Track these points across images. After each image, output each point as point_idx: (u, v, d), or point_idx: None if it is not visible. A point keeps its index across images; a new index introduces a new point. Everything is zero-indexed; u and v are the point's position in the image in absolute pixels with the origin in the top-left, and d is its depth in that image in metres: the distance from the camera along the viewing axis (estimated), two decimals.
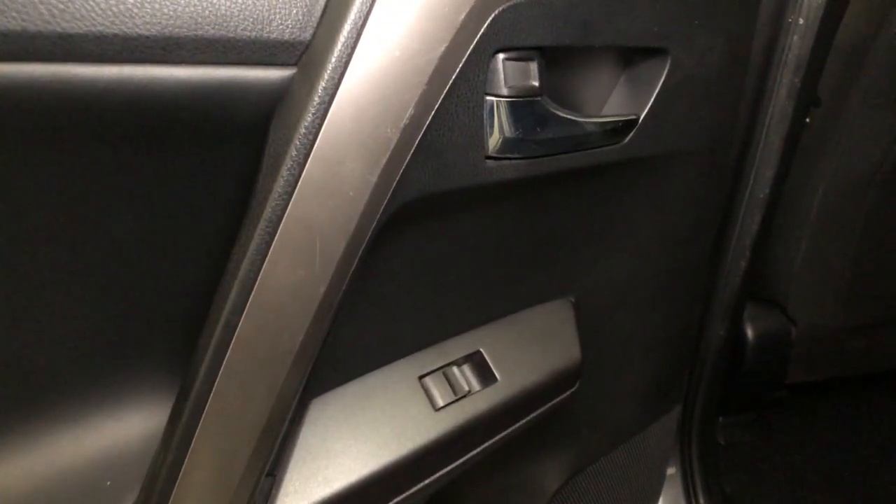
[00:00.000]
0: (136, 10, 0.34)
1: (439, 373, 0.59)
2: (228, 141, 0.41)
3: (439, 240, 0.52)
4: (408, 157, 0.42)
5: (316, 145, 0.39)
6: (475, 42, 0.42)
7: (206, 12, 0.36)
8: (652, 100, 0.55)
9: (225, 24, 0.37)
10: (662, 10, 0.52)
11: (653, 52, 0.54)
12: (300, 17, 0.39)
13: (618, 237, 0.65)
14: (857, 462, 1.17)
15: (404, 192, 0.43)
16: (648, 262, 0.70)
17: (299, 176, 0.39)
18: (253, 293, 0.40)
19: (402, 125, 0.41)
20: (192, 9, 0.36)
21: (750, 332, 1.08)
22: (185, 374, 0.44)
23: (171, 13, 0.35)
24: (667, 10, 0.52)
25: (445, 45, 0.41)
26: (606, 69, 0.55)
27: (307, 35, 0.39)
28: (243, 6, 0.37)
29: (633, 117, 0.55)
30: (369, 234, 0.42)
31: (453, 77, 0.42)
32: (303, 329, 0.42)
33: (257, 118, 0.40)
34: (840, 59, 0.86)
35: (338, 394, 0.54)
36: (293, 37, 0.39)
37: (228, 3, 0.37)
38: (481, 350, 0.61)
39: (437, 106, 0.42)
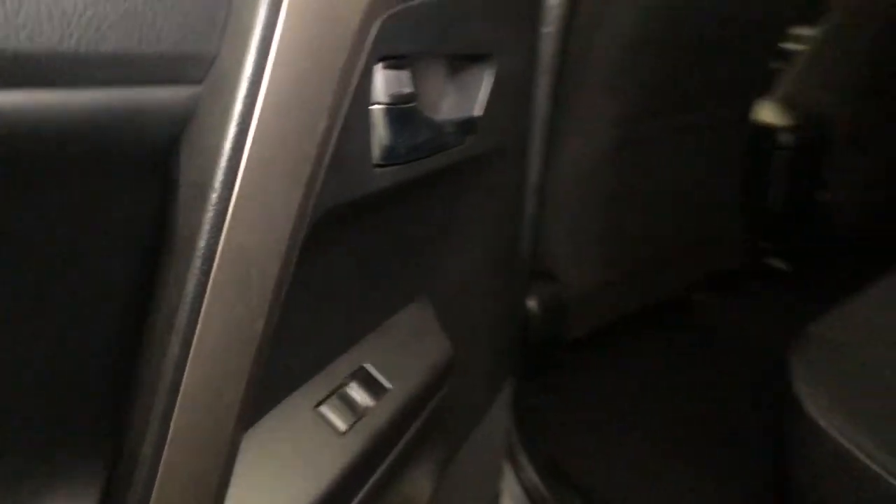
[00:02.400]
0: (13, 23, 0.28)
1: (333, 397, 0.57)
2: (130, 172, 0.35)
3: (324, 256, 0.51)
4: (322, 172, 0.41)
5: (242, 169, 0.36)
6: (366, 51, 0.42)
7: (96, 26, 0.30)
8: (483, 100, 0.61)
9: (118, 39, 0.31)
10: (487, 20, 0.58)
11: (482, 58, 0.60)
12: (202, 29, 0.35)
13: (462, 232, 0.70)
14: (647, 395, 1.40)
15: (319, 208, 0.42)
16: (486, 251, 0.76)
17: (228, 204, 0.36)
18: (194, 343, 0.35)
19: (317, 139, 0.40)
20: (80, 20, 0.30)
21: (533, 303, 1.22)
22: (114, 454, 0.36)
23: (53, 27, 0.29)
24: (490, 20, 0.58)
25: (346, 54, 0.40)
26: (452, 74, 0.59)
27: (212, 49, 0.36)
28: (136, 17, 0.32)
29: (472, 117, 0.60)
30: (296, 256, 0.40)
31: (352, 87, 0.42)
32: (245, 376, 0.38)
33: (162, 144, 0.35)
34: (574, 56, 1.03)
35: (244, 441, 0.49)
36: (197, 51, 0.35)
37: (119, 14, 0.31)
38: (365, 366, 0.61)
39: (341, 116, 0.41)
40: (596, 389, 1.40)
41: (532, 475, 1.12)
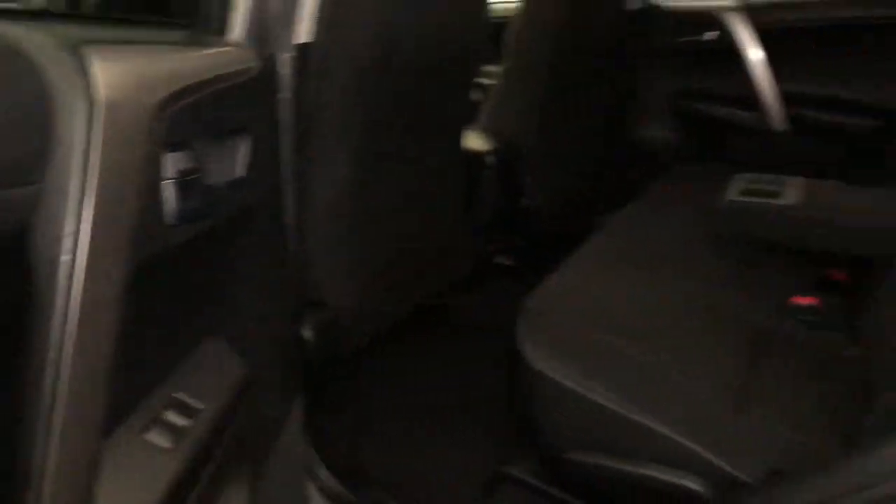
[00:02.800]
0: None
1: (155, 422, 0.67)
2: None
3: (136, 303, 0.62)
4: (134, 235, 0.53)
5: (82, 239, 0.47)
6: (157, 143, 0.56)
7: None
8: (245, 163, 0.76)
9: None
10: (241, 102, 0.73)
11: (240, 130, 0.75)
12: (33, 133, 0.46)
13: (243, 273, 0.83)
14: (417, 388, 1.62)
15: (133, 262, 0.53)
16: (264, 287, 0.90)
17: (74, 268, 0.46)
18: (61, 379, 0.46)
19: (131, 211, 0.52)
20: None
21: (308, 330, 1.36)
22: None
23: None
24: (244, 102, 0.73)
25: (143, 148, 0.53)
26: (221, 146, 0.73)
27: (45, 147, 0.47)
28: None
29: (239, 178, 0.75)
30: (123, 304, 0.52)
31: (150, 171, 0.55)
32: (101, 402, 0.49)
33: (12, 233, 0.45)
34: (307, 111, 1.20)
35: None
36: (34, 153, 0.46)
37: None
38: (177, 395, 0.71)
39: (143, 193, 0.54)
40: (376, 393, 1.59)
41: (332, 483, 1.27)
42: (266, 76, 0.84)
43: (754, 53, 2.14)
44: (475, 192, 1.77)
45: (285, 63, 0.91)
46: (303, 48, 0.94)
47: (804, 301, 1.32)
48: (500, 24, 1.91)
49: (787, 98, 2.13)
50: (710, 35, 2.20)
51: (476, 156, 1.74)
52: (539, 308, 1.22)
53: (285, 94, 0.96)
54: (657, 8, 2.32)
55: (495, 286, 1.99)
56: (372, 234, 1.40)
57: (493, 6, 2.55)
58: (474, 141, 1.83)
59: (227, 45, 0.76)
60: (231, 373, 0.79)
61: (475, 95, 2.33)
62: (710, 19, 2.19)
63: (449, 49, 1.41)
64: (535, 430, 1.16)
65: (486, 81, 2.12)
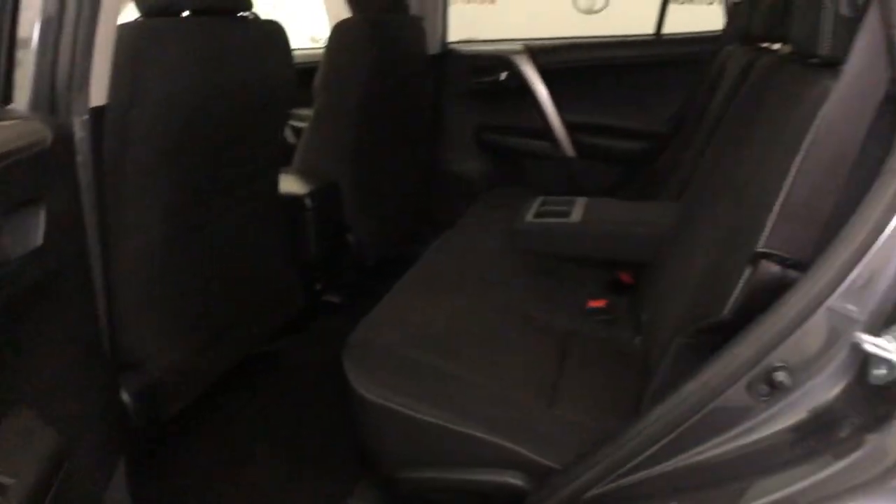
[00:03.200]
0: None
1: None
2: None
3: None
4: None
5: None
6: None
7: None
8: (41, 234, 0.74)
9: None
10: (35, 173, 0.72)
11: (36, 201, 0.73)
12: None
13: (49, 340, 0.80)
14: (250, 437, 1.59)
15: None
16: (73, 353, 0.87)
17: None
18: None
19: None
20: None
21: (125, 394, 1.30)
22: None
23: None
24: (39, 172, 0.73)
25: None
26: (17, 219, 0.71)
27: None
28: None
29: (36, 248, 0.73)
30: None
31: None
32: None
33: None
34: (109, 169, 1.17)
35: None
36: None
37: None
38: None
39: None
40: (208, 451, 1.54)
41: None
42: (60, 142, 0.83)
43: (541, 90, 2.41)
44: (297, 233, 1.80)
45: (81, 126, 0.90)
46: (99, 111, 0.93)
47: (597, 304, 1.51)
48: (309, 69, 1.98)
49: (572, 128, 2.41)
50: (503, 75, 2.45)
51: (294, 198, 1.78)
52: (363, 339, 1.28)
53: (83, 157, 0.93)
54: (454, 52, 2.53)
55: (325, 324, 2.02)
56: (186, 289, 1.38)
57: (301, 52, 2.62)
58: (292, 183, 1.86)
59: (12, 117, 0.74)
60: (42, 445, 0.76)
61: (289, 139, 2.38)
62: (501, 62, 2.44)
63: (258, 98, 1.45)
64: (370, 456, 1.21)
65: (298, 124, 2.17)
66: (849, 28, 0.84)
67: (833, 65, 0.88)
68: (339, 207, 1.94)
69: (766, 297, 0.81)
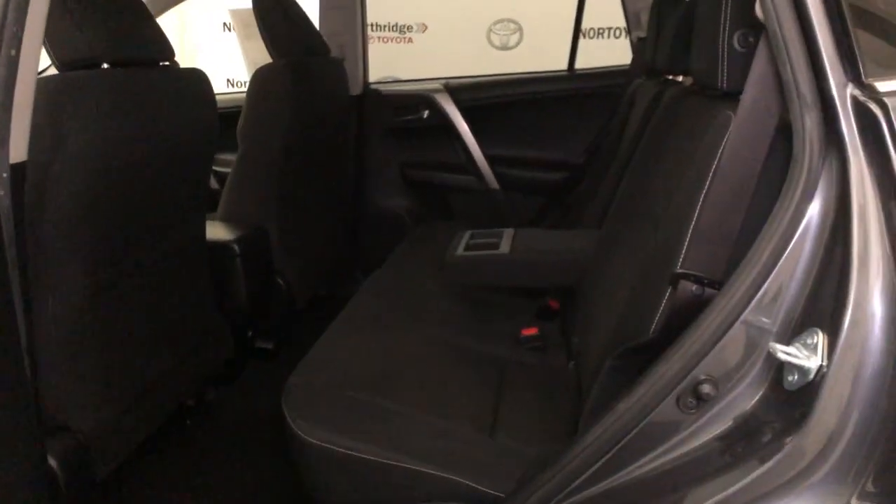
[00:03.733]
0: None
1: None
2: None
3: None
4: None
5: None
6: None
7: None
8: None
9: None
10: None
11: None
12: None
13: None
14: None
15: None
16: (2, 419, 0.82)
17: None
18: None
19: None
20: None
21: (52, 459, 1.23)
22: None
23: None
24: None
25: None
26: None
27: None
28: None
29: None
30: None
31: None
32: None
33: None
34: (29, 226, 1.12)
35: None
36: None
37: None
38: None
39: None
40: None
41: None
42: None
43: (462, 126, 2.48)
44: (226, 280, 1.76)
45: (1, 184, 0.86)
46: (19, 167, 0.90)
47: (529, 332, 1.55)
48: (231, 114, 1.96)
49: (494, 161, 2.49)
50: (424, 113, 2.50)
51: (222, 245, 1.75)
52: (301, 382, 1.26)
53: (4, 215, 0.90)
54: (377, 92, 2.57)
55: (258, 372, 1.97)
56: (111, 345, 1.33)
57: (221, 97, 2.60)
58: (219, 230, 1.83)
59: None
60: None
61: (212, 185, 2.34)
62: (422, 100, 2.50)
63: (182, 146, 1.43)
64: (315, 501, 1.18)
65: (221, 170, 2.14)
66: (742, 62, 0.92)
67: (731, 96, 0.96)
68: (268, 252, 1.92)
69: (687, 315, 0.86)
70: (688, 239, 0.89)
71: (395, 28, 4.40)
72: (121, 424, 1.34)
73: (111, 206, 1.25)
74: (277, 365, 1.75)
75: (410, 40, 4.46)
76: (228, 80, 4.59)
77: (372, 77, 2.64)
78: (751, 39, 0.92)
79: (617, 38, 4.05)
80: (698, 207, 0.89)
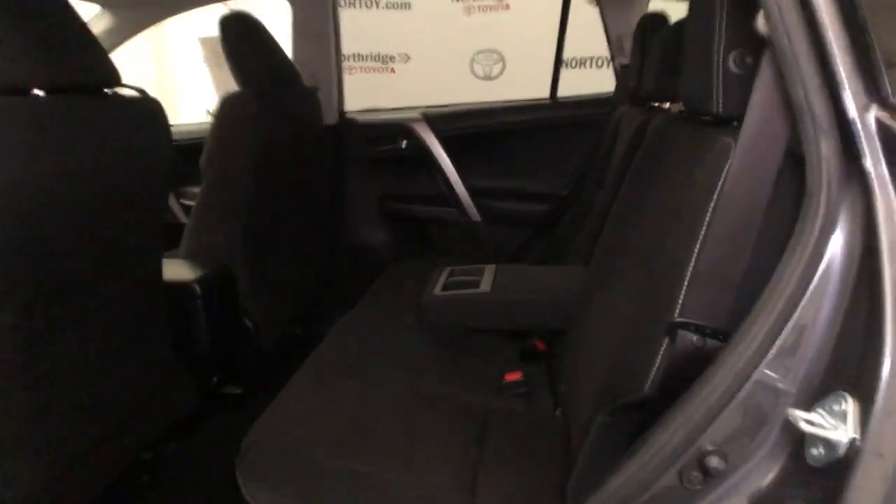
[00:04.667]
0: None
1: None
2: None
3: None
4: None
5: None
6: None
7: None
8: None
9: None
10: None
11: None
12: None
13: None
14: None
15: None
16: None
17: None
18: None
19: None
20: None
21: None
22: None
23: None
24: None
25: None
26: None
27: None
28: None
29: None
30: None
31: None
32: None
33: None
34: None
35: None
36: None
37: None
38: None
39: None
40: None
41: None
42: None
43: (442, 157, 2.38)
44: (186, 324, 1.64)
45: None
46: None
47: (513, 377, 1.43)
48: (196, 145, 1.86)
49: (476, 193, 2.39)
50: (403, 143, 2.41)
51: (182, 286, 1.62)
52: (257, 443, 1.14)
53: None
54: (352, 121, 2.47)
55: (225, 420, 1.83)
56: (53, 398, 1.19)
57: (188, 127, 2.50)
58: (179, 269, 1.71)
59: None
60: None
61: (180, 218, 2.21)
62: (400, 130, 2.40)
63: (128, 181, 1.31)
64: None
65: (189, 203, 2.02)
66: (739, 84, 0.83)
67: (727, 122, 0.86)
68: (234, 291, 1.79)
69: (687, 369, 0.75)
70: (686, 282, 0.78)
71: (377, 58, 4.39)
72: (57, 493, 1.20)
73: (48, 245, 1.13)
74: (247, 412, 1.62)
75: (393, 70, 4.43)
76: (208, 111, 4.51)
77: (354, 107, 2.55)
78: (748, 60, 0.83)
79: (599, 67, 4.04)
80: (697, 246, 0.78)
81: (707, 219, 0.77)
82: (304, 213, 2.19)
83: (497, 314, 1.46)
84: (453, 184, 2.38)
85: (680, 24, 1.46)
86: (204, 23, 2.63)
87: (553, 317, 1.43)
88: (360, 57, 4.33)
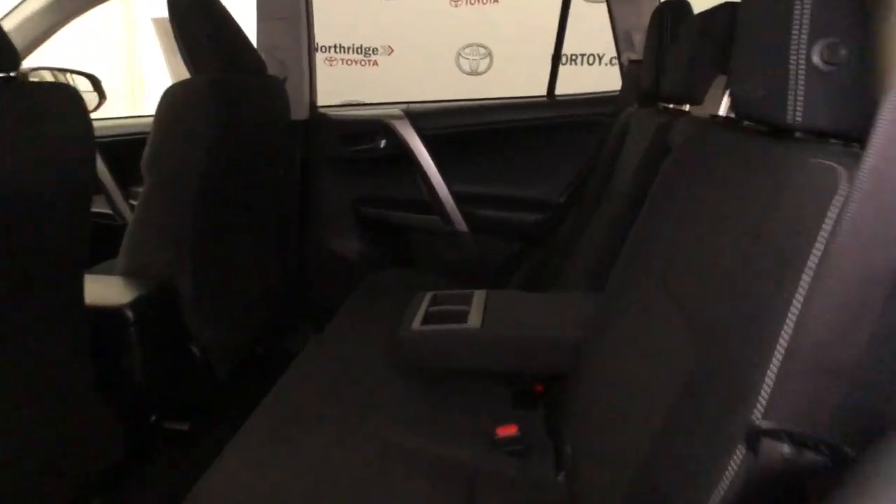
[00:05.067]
0: None
1: None
2: None
3: None
4: None
5: None
6: None
7: None
8: None
9: None
10: None
11: None
12: None
13: None
14: None
15: None
16: None
17: None
18: None
19: None
20: None
21: None
22: None
23: None
24: None
25: None
26: None
27: None
28: None
29: None
30: None
31: None
32: None
33: None
34: None
35: None
36: None
37: None
38: None
39: None
40: None
41: None
42: None
43: (425, 158, 2.13)
44: (117, 356, 1.37)
45: None
46: None
47: (507, 431, 1.18)
48: (134, 142, 1.59)
49: (462, 199, 2.14)
50: (381, 143, 2.15)
51: (111, 311, 1.36)
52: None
53: None
54: (325, 117, 2.21)
55: (168, 461, 1.57)
56: None
57: (146, 119, 2.22)
58: (111, 289, 1.44)
59: None
60: None
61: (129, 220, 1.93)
62: (378, 127, 2.14)
63: (35, 187, 1.05)
64: None
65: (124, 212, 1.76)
66: (827, 85, 0.60)
67: (810, 135, 0.63)
68: (177, 313, 1.53)
69: (772, 488, 0.52)
70: (775, 367, 0.54)
71: (359, 50, 4.20)
72: None
73: None
74: (196, 451, 1.38)
75: (376, 63, 4.23)
76: None
77: (334, 101, 2.28)
78: (842, 52, 0.60)
79: (591, 64, 3.83)
80: (791, 317, 0.54)
81: (811, 275, 0.53)
82: (268, 219, 1.93)
83: (489, 355, 1.21)
84: (437, 189, 2.13)
85: (709, 13, 1.23)
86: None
87: (556, 359, 1.19)
88: (341, 48, 4.16)
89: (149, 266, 1.53)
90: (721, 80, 1.22)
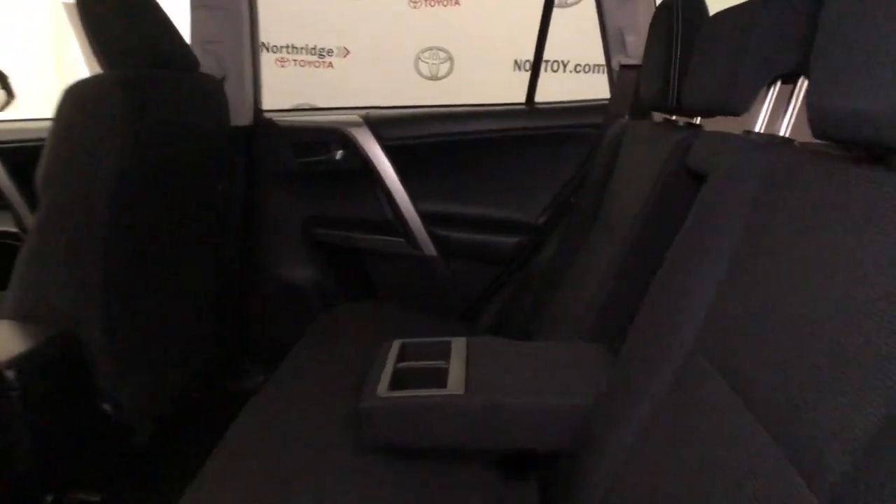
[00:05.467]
0: None
1: None
2: None
3: None
4: None
5: None
6: None
7: None
8: None
9: None
10: None
11: None
12: None
13: None
14: None
15: None
16: None
17: None
18: None
19: None
20: None
21: None
22: None
23: None
24: None
25: None
26: None
27: None
28: None
29: None
30: None
31: None
32: None
33: None
34: None
35: None
36: None
37: None
38: None
39: None
40: None
41: None
42: None
43: (387, 172, 1.87)
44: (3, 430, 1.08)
45: None
46: None
47: None
48: (25, 151, 1.29)
49: (429, 219, 1.89)
50: (337, 154, 1.88)
51: None
52: None
53: None
54: (271, 123, 1.92)
55: None
56: None
57: (28, 124, 1.90)
58: None
59: None
60: None
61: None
62: (334, 136, 1.87)
63: None
64: None
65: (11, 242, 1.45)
66: None
67: None
68: (83, 367, 1.23)
69: None
70: None
71: (313, 51, 3.96)
72: None
73: None
74: None
75: (330, 65, 3.98)
76: None
77: (285, 104, 1.99)
78: None
79: (555, 71, 3.66)
80: None
81: None
82: (202, 245, 1.63)
83: (475, 430, 0.95)
84: (401, 207, 1.87)
85: (731, 10, 1.01)
86: None
87: (556, 434, 0.94)
88: (294, 49, 3.89)
89: (46, 308, 1.23)
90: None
